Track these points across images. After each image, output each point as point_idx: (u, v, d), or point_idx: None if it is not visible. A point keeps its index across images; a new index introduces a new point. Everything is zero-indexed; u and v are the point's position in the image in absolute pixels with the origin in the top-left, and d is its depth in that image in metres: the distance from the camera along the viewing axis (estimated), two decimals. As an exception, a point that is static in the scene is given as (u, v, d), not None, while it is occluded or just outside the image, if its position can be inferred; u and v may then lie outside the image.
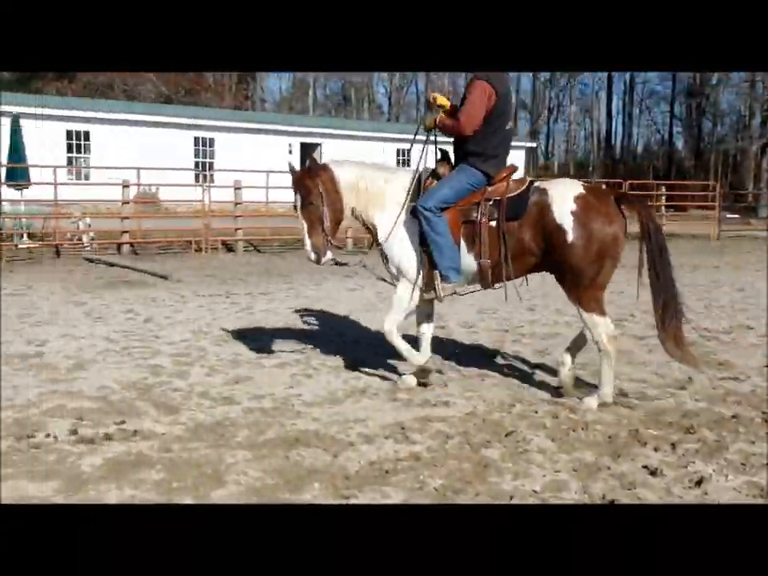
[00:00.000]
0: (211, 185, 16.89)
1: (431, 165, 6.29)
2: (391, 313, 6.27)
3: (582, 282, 5.78)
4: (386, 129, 36.62)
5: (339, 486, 4.27)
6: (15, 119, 17.26)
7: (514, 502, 4.08)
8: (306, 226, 6.12)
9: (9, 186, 16.18)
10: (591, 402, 5.77)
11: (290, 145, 30.98)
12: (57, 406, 5.55)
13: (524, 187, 6.02)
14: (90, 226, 17.01)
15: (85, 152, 26.90)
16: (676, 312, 5.82)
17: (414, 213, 6.07)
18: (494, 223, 5.98)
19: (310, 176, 6.12)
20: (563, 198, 5.85)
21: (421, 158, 6.24)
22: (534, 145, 50.01)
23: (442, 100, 6.27)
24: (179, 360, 7.00)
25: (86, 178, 24.67)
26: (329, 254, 6.16)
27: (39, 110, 25.13)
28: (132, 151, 25.48)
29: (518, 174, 6.34)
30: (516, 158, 35.43)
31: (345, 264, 7.22)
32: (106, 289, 11.55)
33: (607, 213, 5.81)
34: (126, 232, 16.38)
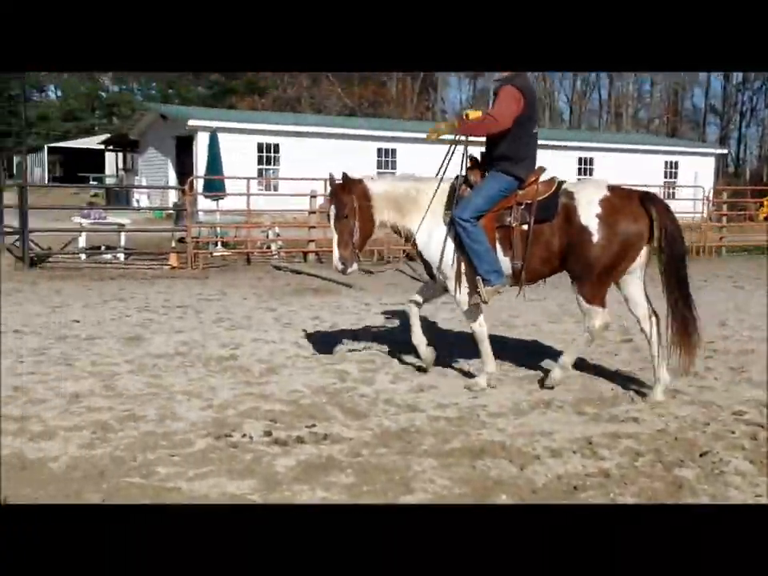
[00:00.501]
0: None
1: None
2: (471, 319, 6.61)
3: (596, 279, 6.10)
4: (567, 137, 35.99)
5: (526, 498, 4.22)
6: (213, 134, 18.24)
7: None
8: (336, 237, 6.42)
9: (206, 196, 17.08)
10: (556, 374, 6.43)
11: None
12: (251, 408, 5.79)
13: (553, 189, 6.25)
14: (278, 235, 17.68)
15: (274, 164, 28.03)
16: (689, 319, 6.02)
17: (450, 221, 6.33)
18: (525, 227, 6.23)
19: (344, 190, 6.41)
20: (589, 200, 6.10)
21: (444, 164, 6.57)
22: (725, 151, 47.79)
23: (475, 114, 6.29)
24: (365, 366, 7.14)
25: (275, 188, 25.66)
26: (354, 266, 6.47)
27: (234, 125, 26.44)
28: (318, 162, 26.25)
29: (547, 175, 6.43)
30: (704, 165, 34.05)
31: (371, 272, 7.59)
32: (294, 296, 11.95)
33: (631, 214, 6.04)
34: (313, 241, 16.90)
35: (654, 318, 6.25)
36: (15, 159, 72.56)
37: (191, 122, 26.74)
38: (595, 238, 6.00)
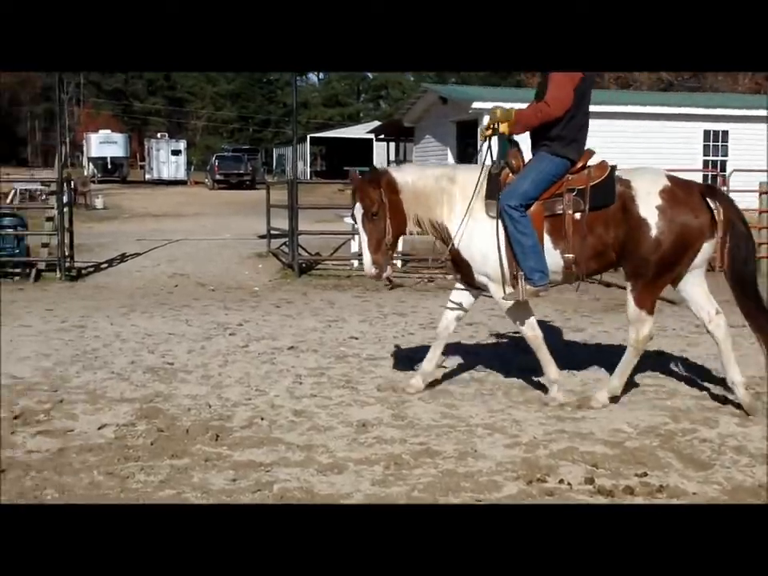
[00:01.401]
0: (728, 188, 16.45)
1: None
2: (519, 322, 6.98)
3: (652, 277, 6.55)
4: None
5: None
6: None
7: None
8: (367, 239, 6.69)
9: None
10: (601, 396, 6.84)
11: None
12: (567, 449, 5.82)
13: (607, 174, 6.56)
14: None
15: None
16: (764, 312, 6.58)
17: (490, 210, 6.65)
18: (579, 215, 6.54)
19: (371, 184, 6.67)
20: (648, 191, 6.49)
21: (487, 151, 6.75)
22: None
23: (506, 113, 6.52)
24: (703, 404, 6.96)
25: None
26: (389, 269, 6.90)
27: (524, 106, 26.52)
28: (628, 149, 25.73)
29: (597, 159, 6.74)
30: None
31: (400, 285, 7.43)
32: (605, 313, 11.85)
33: (693, 208, 6.47)
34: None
35: (721, 319, 6.66)
36: (275, 152, 77.39)
37: (476, 105, 27.09)
38: (654, 232, 6.42)
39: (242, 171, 54.99)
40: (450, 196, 6.80)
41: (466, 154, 28.76)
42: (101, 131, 63.28)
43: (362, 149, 57.97)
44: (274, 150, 79.96)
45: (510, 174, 6.70)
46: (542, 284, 6.61)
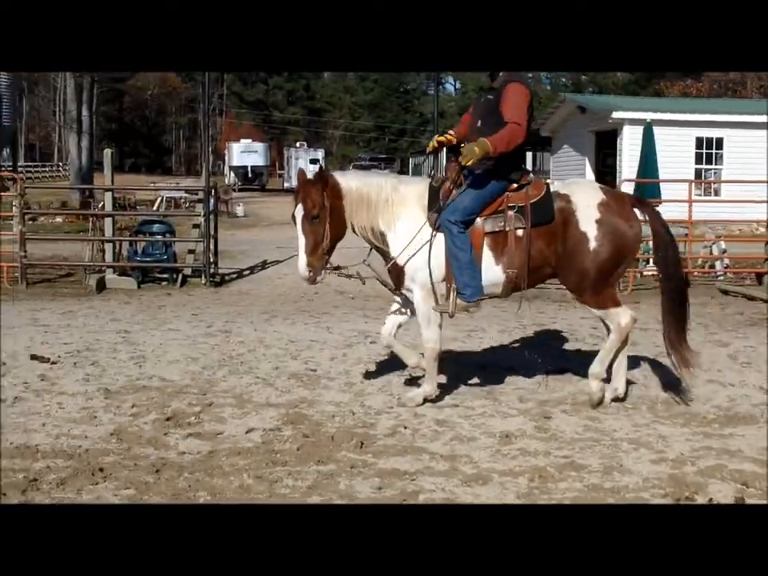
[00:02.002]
0: None
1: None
2: (427, 330, 7.06)
3: (594, 286, 6.87)
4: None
5: None
6: (648, 128, 18.06)
7: None
8: (305, 241, 6.66)
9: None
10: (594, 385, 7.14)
11: None
12: (715, 466, 5.67)
13: (543, 192, 6.83)
14: (724, 251, 17.06)
15: (716, 162, 27.11)
16: (683, 319, 7.09)
17: (430, 223, 6.79)
18: (520, 232, 6.74)
19: (315, 187, 6.68)
20: (588, 204, 6.84)
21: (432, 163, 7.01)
22: None
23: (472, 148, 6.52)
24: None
25: (716, 193, 24.93)
26: (323, 273, 6.85)
27: (666, 116, 25.99)
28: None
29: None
30: None
31: (351, 276, 7.29)
32: (749, 327, 11.50)
33: (628, 218, 6.91)
34: (771, 259, 16.14)
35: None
36: (411, 161, 77.73)
37: (615, 114, 26.75)
38: (593, 245, 6.77)
39: (379, 181, 55.25)
40: (392, 206, 6.88)
41: (605, 164, 28.41)
42: (242, 140, 64.65)
43: (498, 158, 57.66)
44: (410, 158, 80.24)
45: (453, 189, 6.82)
46: (473, 300, 6.80)
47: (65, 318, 11.36)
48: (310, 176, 6.80)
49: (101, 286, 14.31)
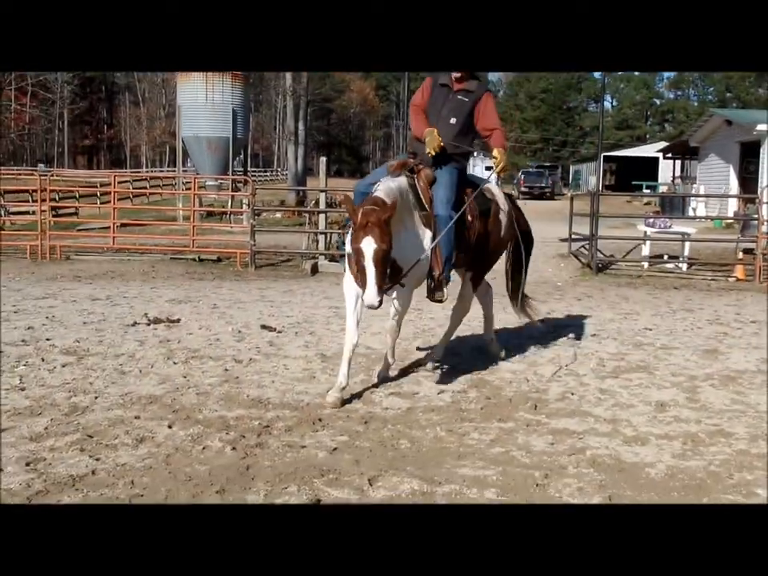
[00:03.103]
0: None
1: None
2: (400, 316, 6.50)
3: (487, 267, 7.14)
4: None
5: None
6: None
7: None
8: (375, 272, 5.39)
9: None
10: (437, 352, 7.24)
11: None
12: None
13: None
14: None
15: None
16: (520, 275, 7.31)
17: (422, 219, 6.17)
18: (471, 218, 6.48)
19: (384, 216, 5.45)
20: (502, 198, 7.03)
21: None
22: None
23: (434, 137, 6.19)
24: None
25: None
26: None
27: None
28: None
29: None
30: None
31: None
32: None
33: (517, 211, 7.31)
34: None
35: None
36: (572, 168, 76.50)
37: (760, 127, 25.59)
38: (503, 233, 6.96)
39: (543, 185, 54.56)
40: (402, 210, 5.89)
41: (748, 170, 27.21)
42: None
43: (648, 166, 55.88)
44: (571, 166, 78.96)
45: (424, 186, 6.26)
46: (451, 281, 6.54)
47: (286, 296, 11.74)
48: (371, 205, 5.56)
49: (314, 270, 14.71)
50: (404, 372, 7.01)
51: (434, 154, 6.17)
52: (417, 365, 7.30)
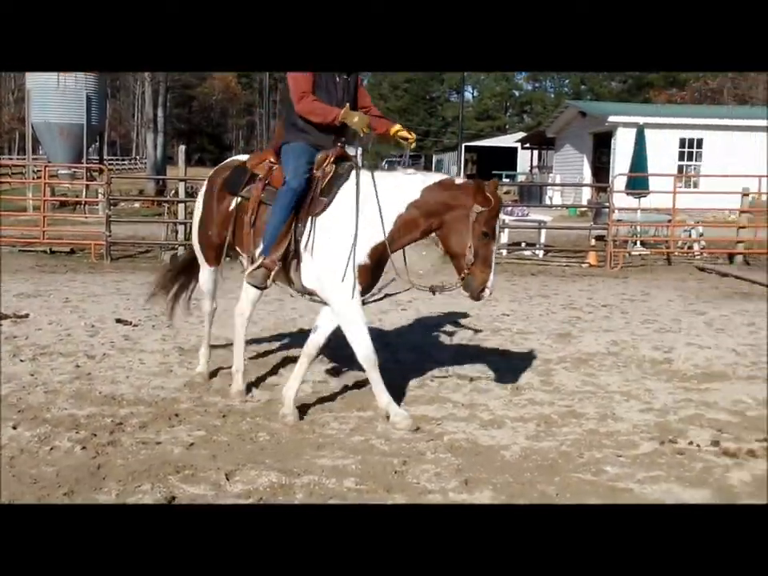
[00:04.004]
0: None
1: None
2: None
3: None
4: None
5: None
6: (641, 130, 18.00)
7: None
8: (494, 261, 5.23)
9: (629, 194, 16.90)
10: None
11: None
12: (694, 415, 5.67)
13: None
14: (701, 235, 16.98)
15: (696, 159, 26.97)
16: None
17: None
18: None
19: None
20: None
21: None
22: None
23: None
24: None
25: (695, 185, 24.64)
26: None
27: (655, 120, 25.86)
28: (744, 158, 24.76)
29: None
30: None
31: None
32: (723, 299, 11.42)
33: None
34: (741, 242, 15.99)
35: None
36: (434, 158, 77.59)
37: (611, 118, 26.67)
38: None
39: (407, 174, 55.18)
40: None
41: (601, 161, 28.36)
42: (291, 140, 64.52)
43: (508, 156, 57.26)
44: (434, 156, 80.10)
45: None
46: None
47: (143, 288, 11.37)
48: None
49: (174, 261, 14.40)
50: (264, 363, 6.94)
51: (366, 132, 5.67)
52: (278, 356, 7.23)
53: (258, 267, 5.54)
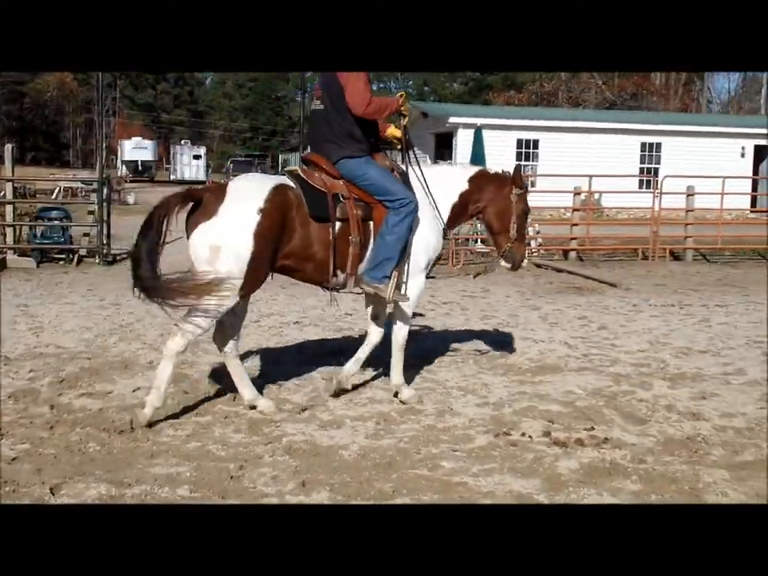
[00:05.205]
0: (661, 191, 16.52)
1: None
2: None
3: None
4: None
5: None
6: (478, 130, 18.49)
7: None
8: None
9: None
10: None
11: (742, 148, 29.25)
12: (528, 407, 5.85)
13: None
14: (538, 232, 17.62)
15: (533, 160, 27.97)
16: None
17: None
18: None
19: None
20: None
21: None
22: None
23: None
24: (640, 370, 6.98)
25: (533, 185, 25.52)
26: None
27: (494, 121, 26.67)
28: (577, 158, 25.89)
29: None
30: None
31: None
32: (557, 294, 11.88)
33: None
34: (575, 239, 16.69)
35: None
36: (281, 157, 77.22)
37: (452, 119, 27.28)
38: None
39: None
40: None
41: (443, 160, 28.92)
42: (133, 138, 62.72)
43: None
44: (280, 155, 79.74)
45: None
46: None
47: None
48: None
49: (2, 265, 13.68)
50: (95, 370, 6.68)
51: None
52: (120, 360, 6.99)
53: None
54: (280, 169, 73.63)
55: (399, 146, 5.98)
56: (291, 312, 9.73)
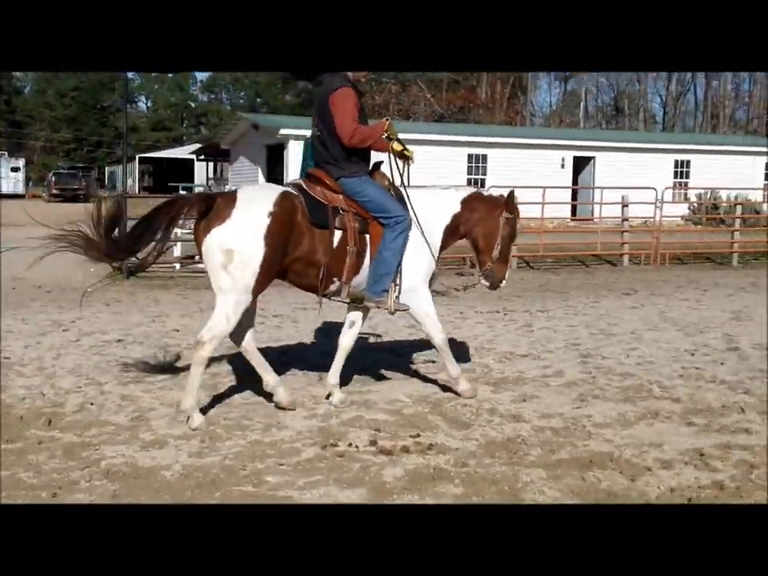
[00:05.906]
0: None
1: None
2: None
3: None
4: (660, 139, 35.40)
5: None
6: (306, 143, 18.57)
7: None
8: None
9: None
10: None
11: (562, 159, 30.73)
12: (355, 417, 5.89)
13: None
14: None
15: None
16: None
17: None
18: None
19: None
20: None
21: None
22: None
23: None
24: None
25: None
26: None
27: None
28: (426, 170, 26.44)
29: None
30: None
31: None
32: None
33: None
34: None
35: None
36: (107, 170, 74.92)
37: (282, 131, 27.23)
38: None
39: (76, 186, 53.07)
40: None
41: (274, 172, 28.85)
42: (-57, 150, 59.35)
43: (185, 168, 56.73)
44: (106, 168, 77.36)
45: None
46: None
47: None
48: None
49: None
50: None
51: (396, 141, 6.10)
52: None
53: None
54: (107, 181, 71.53)
55: (404, 161, 6.20)
56: (114, 330, 9.41)
